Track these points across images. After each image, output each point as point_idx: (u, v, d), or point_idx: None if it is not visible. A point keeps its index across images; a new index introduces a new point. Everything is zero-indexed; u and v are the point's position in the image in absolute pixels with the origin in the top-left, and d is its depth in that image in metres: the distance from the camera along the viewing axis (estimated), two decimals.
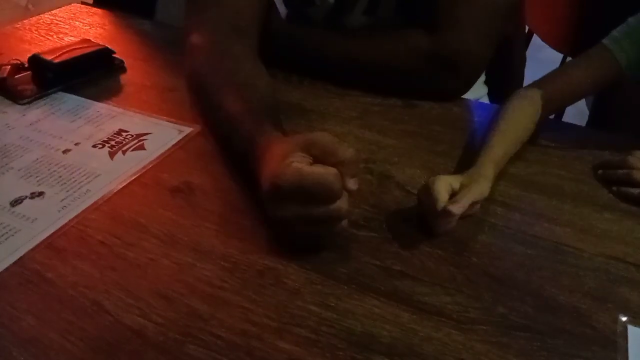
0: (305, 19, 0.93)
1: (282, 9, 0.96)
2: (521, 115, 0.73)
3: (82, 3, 1.16)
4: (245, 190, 0.64)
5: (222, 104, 0.70)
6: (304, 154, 0.54)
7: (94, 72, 0.87)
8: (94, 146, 0.72)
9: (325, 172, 0.53)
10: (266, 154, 0.57)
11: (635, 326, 0.52)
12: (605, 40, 0.75)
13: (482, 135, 0.71)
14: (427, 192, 0.59)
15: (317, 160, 0.54)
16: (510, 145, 0.70)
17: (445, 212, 0.57)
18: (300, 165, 0.53)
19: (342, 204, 0.54)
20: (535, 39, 1.61)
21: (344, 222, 0.56)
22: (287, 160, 0.53)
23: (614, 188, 0.68)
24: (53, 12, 1.11)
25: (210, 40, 0.78)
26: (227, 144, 0.70)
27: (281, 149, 0.56)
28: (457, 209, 0.57)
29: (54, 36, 1.01)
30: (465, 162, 0.71)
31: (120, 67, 0.91)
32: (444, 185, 0.59)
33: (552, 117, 1.38)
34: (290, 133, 0.63)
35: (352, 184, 0.55)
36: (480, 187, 0.61)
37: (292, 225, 0.55)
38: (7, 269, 0.54)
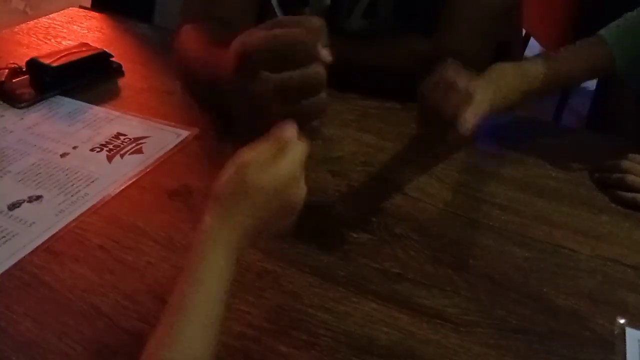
0: None
1: (280, 14, 0.96)
2: (509, 74, 0.71)
3: (80, 7, 1.16)
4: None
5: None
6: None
7: (92, 76, 0.87)
8: (92, 150, 0.72)
9: (296, 30, 0.47)
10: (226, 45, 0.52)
11: (633, 328, 0.52)
12: (602, 31, 0.75)
13: None
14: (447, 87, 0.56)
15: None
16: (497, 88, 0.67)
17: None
18: (265, 30, 0.48)
19: (318, 67, 0.48)
20: (533, 41, 1.62)
21: (323, 95, 0.49)
22: (252, 31, 0.48)
23: (610, 192, 0.69)
24: (51, 16, 1.11)
25: (197, 31, 0.77)
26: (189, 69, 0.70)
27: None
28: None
29: (52, 40, 1.01)
30: (464, 163, 0.71)
31: (118, 71, 0.91)
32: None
33: (550, 120, 1.39)
34: None
35: (325, 54, 0.49)
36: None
37: (267, 104, 0.48)
38: (5, 272, 0.54)
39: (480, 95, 0.59)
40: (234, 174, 0.41)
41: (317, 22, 0.49)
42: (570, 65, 0.75)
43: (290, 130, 0.44)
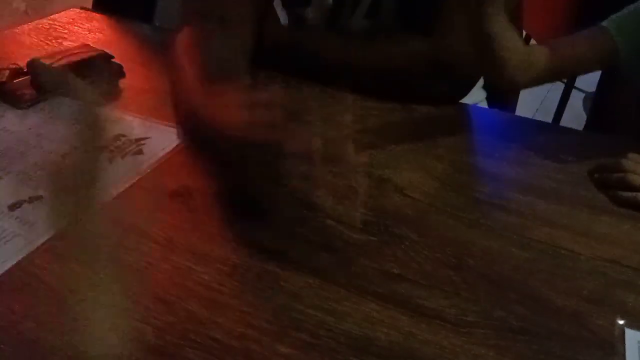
0: (305, 24, 0.94)
1: (282, 16, 0.96)
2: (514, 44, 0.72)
3: (81, 8, 1.16)
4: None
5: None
6: None
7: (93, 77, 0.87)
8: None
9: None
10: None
11: (633, 329, 0.52)
12: (604, 22, 0.75)
13: None
14: None
15: None
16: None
17: None
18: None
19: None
20: (532, 42, 1.61)
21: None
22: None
23: (610, 192, 0.69)
24: (52, 17, 1.11)
25: (196, 32, 0.78)
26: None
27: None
28: None
29: (53, 41, 1.01)
30: (464, 164, 0.72)
31: (118, 72, 0.91)
32: None
33: (549, 121, 1.39)
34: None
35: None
36: None
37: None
38: (6, 272, 0.54)
39: None
40: None
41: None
42: (574, 49, 0.75)
43: None
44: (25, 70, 0.85)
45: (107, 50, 0.90)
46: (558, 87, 1.49)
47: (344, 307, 0.53)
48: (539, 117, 0.87)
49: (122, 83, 0.89)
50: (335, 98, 0.87)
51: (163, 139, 0.75)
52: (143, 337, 0.49)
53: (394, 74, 0.85)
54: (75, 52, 0.87)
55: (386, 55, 0.85)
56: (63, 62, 0.84)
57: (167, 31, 1.06)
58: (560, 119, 1.46)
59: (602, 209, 0.67)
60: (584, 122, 1.32)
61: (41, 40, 1.01)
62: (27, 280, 0.54)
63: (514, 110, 1.20)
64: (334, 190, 0.67)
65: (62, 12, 1.13)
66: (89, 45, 0.91)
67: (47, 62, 0.83)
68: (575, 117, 1.53)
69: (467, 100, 0.89)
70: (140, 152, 0.73)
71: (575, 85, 1.55)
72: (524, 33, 1.50)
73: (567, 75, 1.27)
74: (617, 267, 0.59)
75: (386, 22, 0.90)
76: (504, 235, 0.62)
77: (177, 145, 0.74)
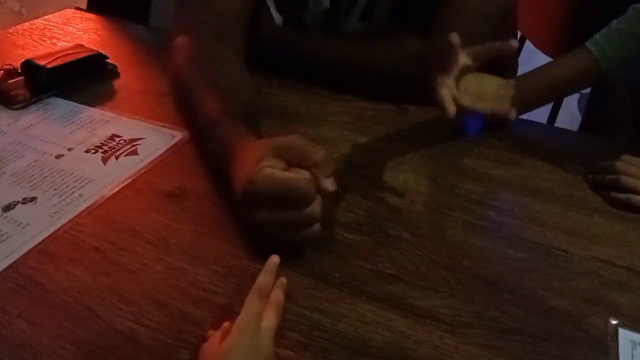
0: (301, 26, 0.93)
1: (277, 17, 0.96)
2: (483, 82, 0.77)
3: (76, 8, 1.16)
4: (222, 192, 0.64)
5: (201, 104, 0.70)
6: (277, 159, 0.55)
7: (88, 77, 0.87)
8: (87, 151, 0.72)
9: (298, 177, 0.53)
10: (239, 158, 0.58)
11: (626, 329, 0.52)
12: (587, 43, 0.76)
13: None
14: None
15: (290, 164, 0.55)
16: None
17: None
18: (272, 170, 0.53)
19: (315, 207, 0.54)
20: (528, 44, 1.62)
21: (316, 227, 0.56)
22: (260, 165, 0.54)
23: (604, 193, 0.69)
24: (46, 17, 1.11)
25: (196, 43, 0.78)
26: (202, 144, 0.71)
27: (254, 153, 0.56)
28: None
29: (47, 41, 1.01)
30: (458, 165, 0.72)
31: (113, 72, 0.91)
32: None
33: (544, 121, 1.39)
34: (265, 136, 0.64)
35: (328, 184, 0.55)
36: None
37: (266, 230, 0.56)
38: None
39: None
40: None
41: (322, 155, 0.55)
42: (550, 82, 0.77)
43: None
44: (19, 70, 0.84)
45: (102, 51, 0.90)
46: None
47: (339, 307, 0.53)
48: (533, 118, 0.87)
49: (117, 84, 0.89)
50: (330, 99, 0.87)
51: (157, 140, 0.75)
52: (136, 338, 0.49)
53: (388, 75, 0.85)
54: (70, 52, 0.87)
55: (381, 56, 0.85)
56: (57, 62, 0.84)
57: (162, 32, 1.06)
58: (555, 120, 1.47)
59: (596, 209, 0.67)
60: (578, 123, 1.33)
61: (35, 41, 1.01)
62: (21, 281, 0.54)
63: None
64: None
65: (57, 13, 1.13)
66: (83, 45, 0.91)
67: (42, 62, 0.83)
68: (570, 117, 1.54)
69: None
70: (134, 152, 0.72)
71: None
72: (519, 34, 1.50)
73: (555, 99, 1.29)
74: (611, 268, 0.59)
75: (381, 24, 0.90)
76: (498, 236, 0.63)
77: (171, 146, 0.74)
